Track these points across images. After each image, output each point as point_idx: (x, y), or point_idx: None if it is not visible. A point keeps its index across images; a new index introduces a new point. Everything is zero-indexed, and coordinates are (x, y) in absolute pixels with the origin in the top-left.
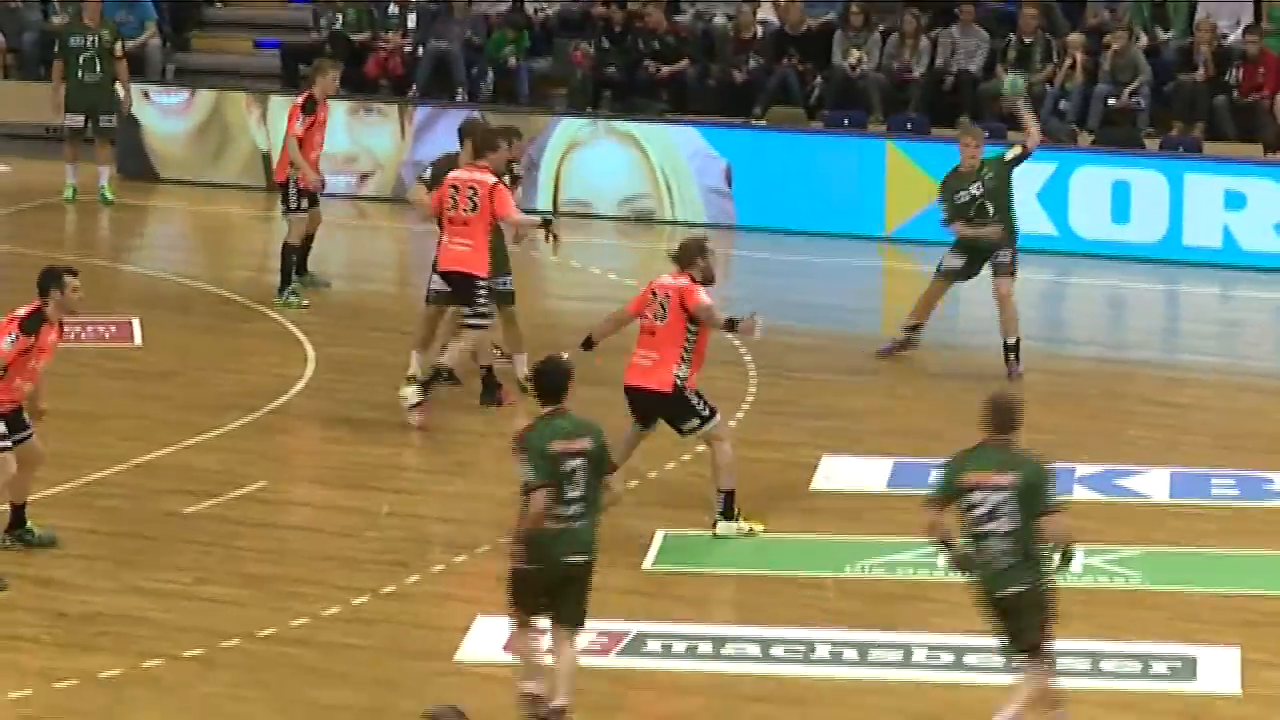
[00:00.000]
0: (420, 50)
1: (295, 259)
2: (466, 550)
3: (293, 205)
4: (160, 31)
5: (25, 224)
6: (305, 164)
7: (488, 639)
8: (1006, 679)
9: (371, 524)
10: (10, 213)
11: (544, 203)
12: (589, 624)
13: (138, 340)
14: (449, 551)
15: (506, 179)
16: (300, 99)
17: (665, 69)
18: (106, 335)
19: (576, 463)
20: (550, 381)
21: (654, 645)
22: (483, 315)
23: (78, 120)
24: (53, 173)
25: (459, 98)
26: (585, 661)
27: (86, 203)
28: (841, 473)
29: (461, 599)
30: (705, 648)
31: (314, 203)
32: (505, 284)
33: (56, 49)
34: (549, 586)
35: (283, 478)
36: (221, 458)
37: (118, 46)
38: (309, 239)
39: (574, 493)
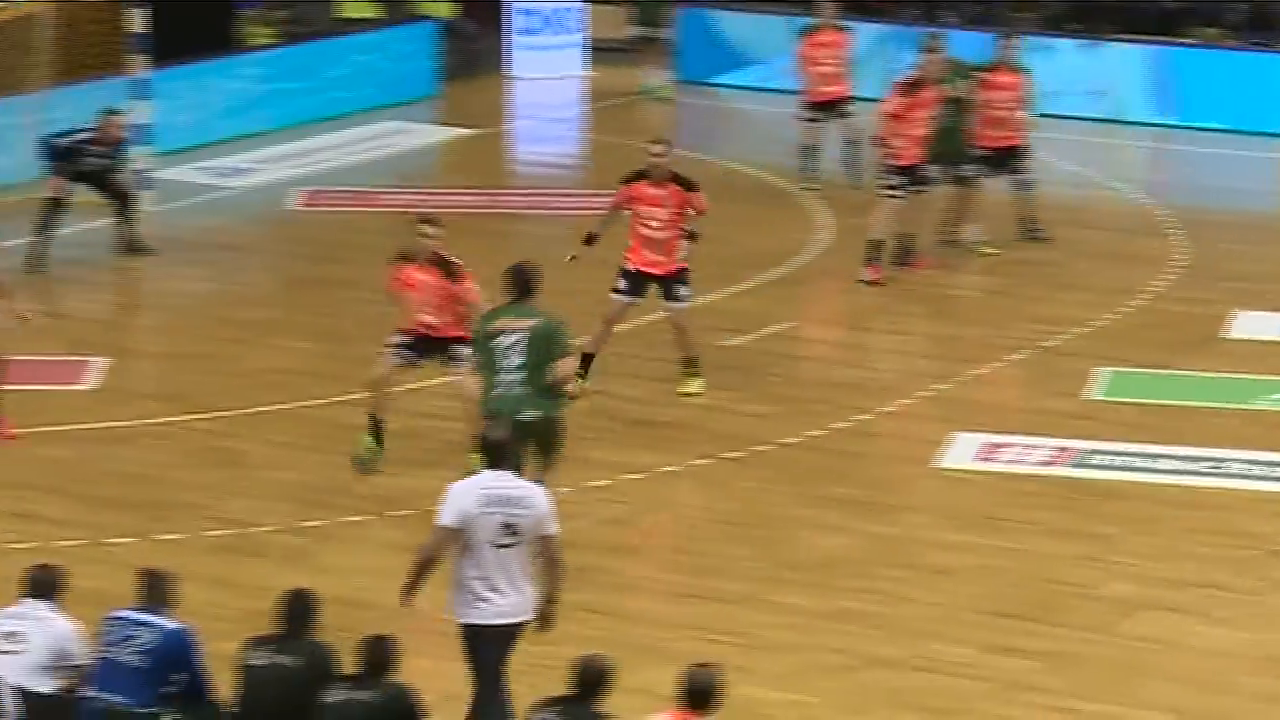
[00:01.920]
0: None
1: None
2: (948, 379)
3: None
4: None
5: (605, 118)
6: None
7: (962, 451)
8: None
9: (872, 358)
10: (597, 108)
11: None
12: (1046, 441)
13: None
14: (933, 380)
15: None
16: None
17: None
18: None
19: (514, 338)
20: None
21: (1097, 460)
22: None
23: (640, 30)
24: (626, 76)
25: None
26: (1042, 471)
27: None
28: (1252, 325)
29: (940, 419)
30: (1137, 463)
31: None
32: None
33: None
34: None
35: (806, 318)
36: (756, 302)
37: None
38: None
39: (513, 361)
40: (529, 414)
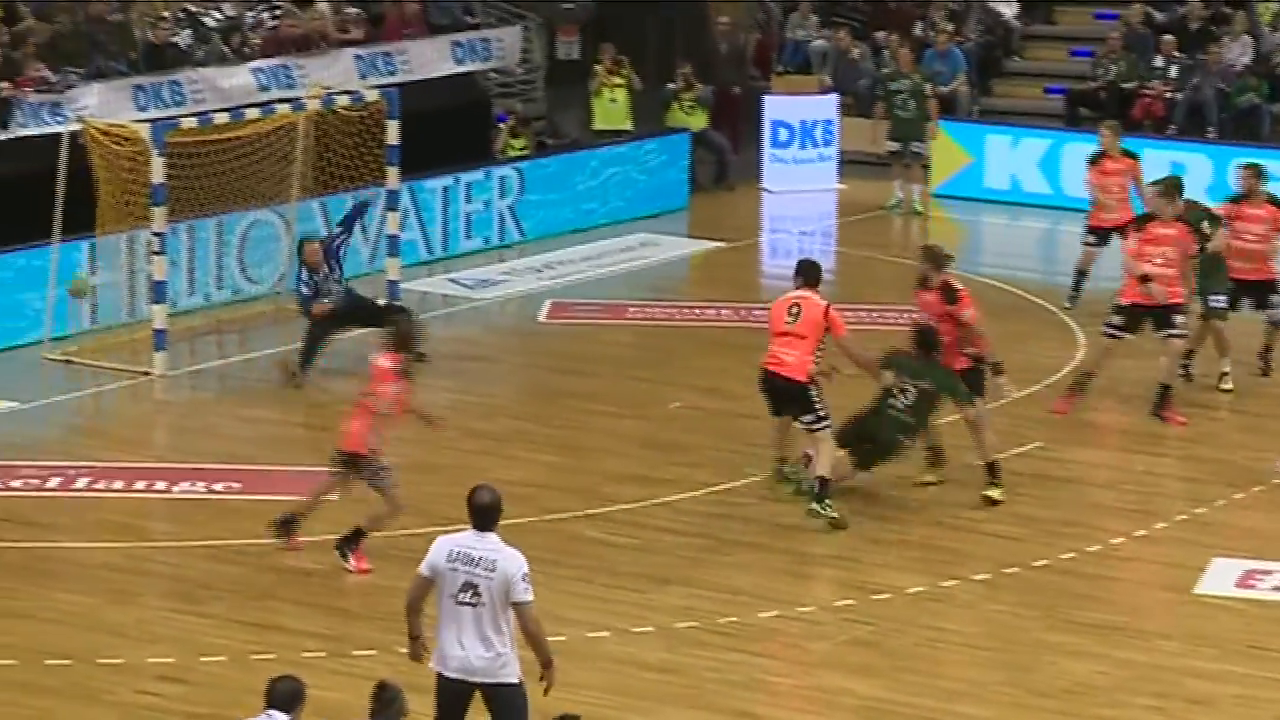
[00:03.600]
0: (1178, 95)
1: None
2: (1205, 504)
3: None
4: (968, 79)
5: (856, 231)
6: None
7: (1223, 577)
8: None
9: (1132, 479)
10: (847, 221)
11: None
12: None
13: None
14: (1190, 504)
15: None
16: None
17: None
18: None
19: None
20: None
21: None
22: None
23: (895, 146)
24: (879, 190)
25: (1210, 134)
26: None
27: (905, 215)
28: None
29: (1199, 544)
30: None
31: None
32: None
33: (880, 90)
34: None
35: (1056, 440)
36: (1005, 420)
37: (927, 88)
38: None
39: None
40: None
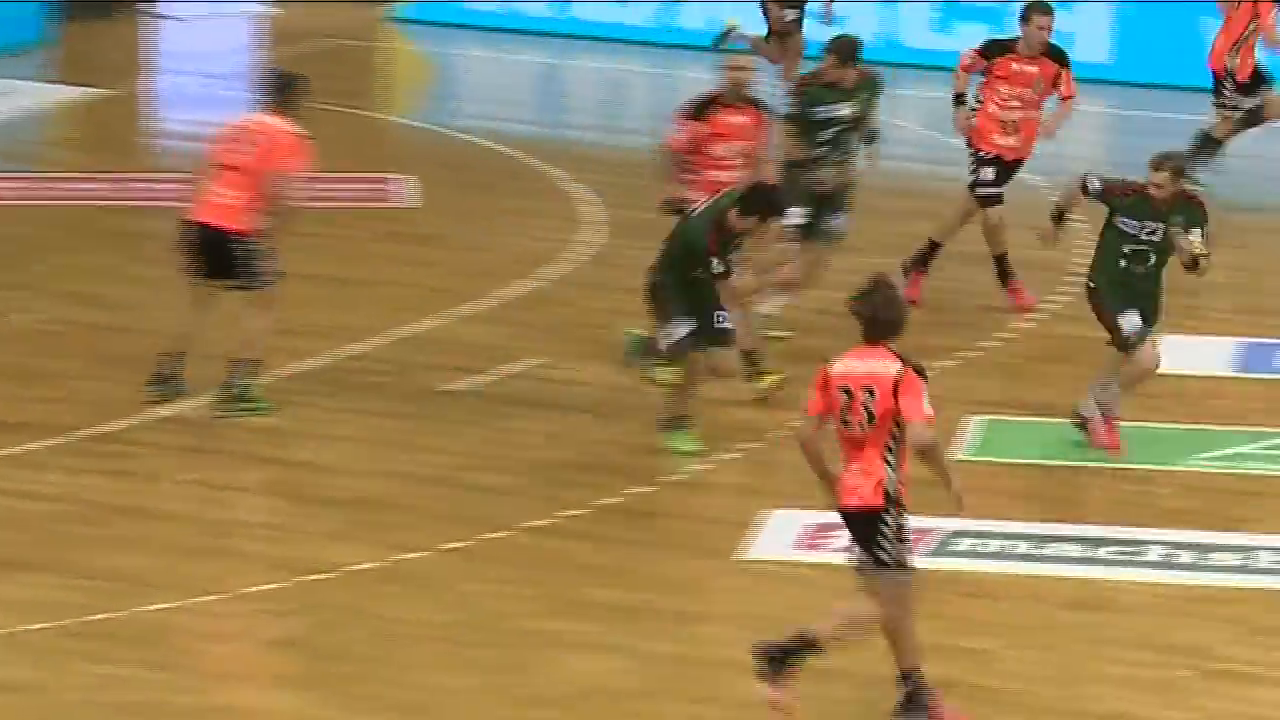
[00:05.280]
0: None
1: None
2: (759, 436)
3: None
4: None
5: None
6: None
7: (777, 536)
8: None
9: (654, 405)
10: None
11: None
12: None
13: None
14: (747, 437)
15: None
16: None
17: None
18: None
19: None
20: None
21: (964, 544)
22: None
23: None
24: (322, 13)
25: None
26: None
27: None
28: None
29: (749, 491)
30: (1021, 547)
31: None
32: None
33: None
34: None
35: (561, 353)
36: (495, 330)
37: None
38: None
39: None
40: None
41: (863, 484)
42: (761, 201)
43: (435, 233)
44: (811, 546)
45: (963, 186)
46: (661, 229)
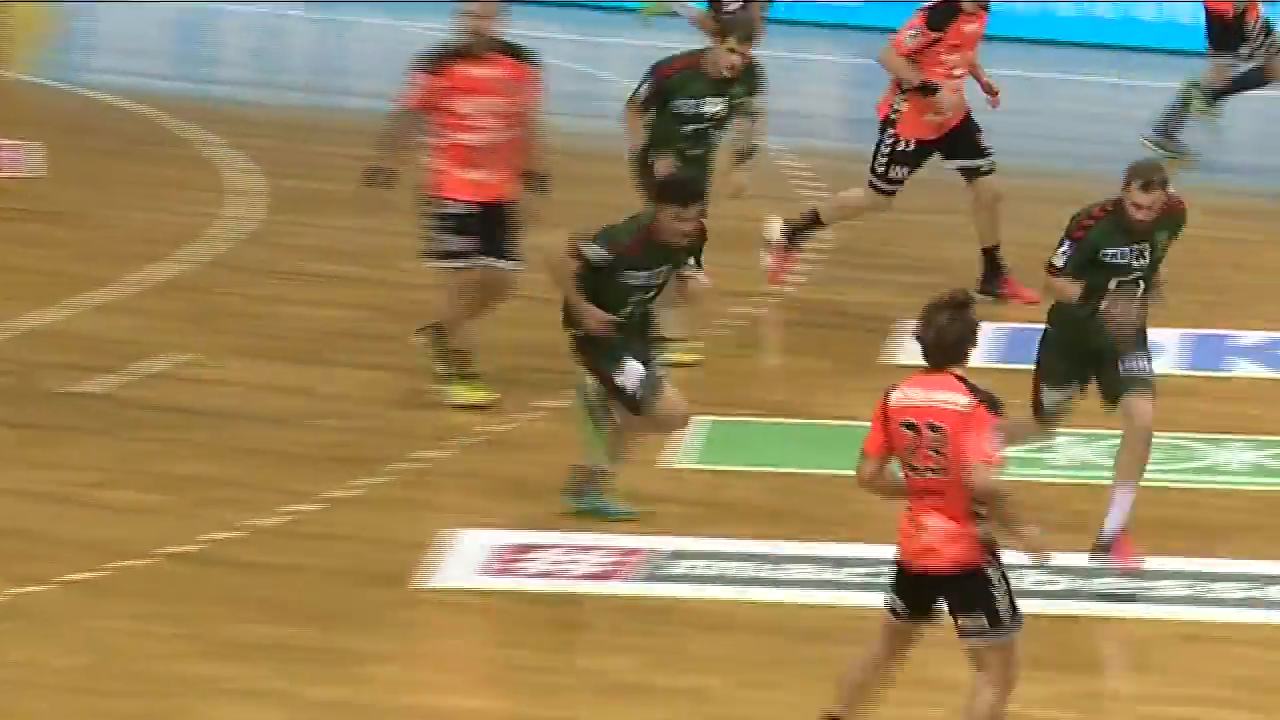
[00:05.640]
0: None
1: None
2: (445, 443)
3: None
4: None
5: None
6: None
7: (464, 561)
8: None
9: (323, 409)
10: None
11: None
12: (591, 541)
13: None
14: (425, 445)
15: None
16: None
17: None
18: None
19: None
20: None
21: (681, 567)
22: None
23: None
24: None
25: None
26: (591, 589)
27: None
28: None
29: (428, 506)
30: (748, 571)
31: None
32: None
33: None
34: None
35: (210, 349)
36: (131, 322)
37: None
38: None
39: None
40: None
41: (946, 544)
42: (677, 192)
43: (60, 209)
44: (503, 572)
45: (962, 186)
46: (334, 202)
